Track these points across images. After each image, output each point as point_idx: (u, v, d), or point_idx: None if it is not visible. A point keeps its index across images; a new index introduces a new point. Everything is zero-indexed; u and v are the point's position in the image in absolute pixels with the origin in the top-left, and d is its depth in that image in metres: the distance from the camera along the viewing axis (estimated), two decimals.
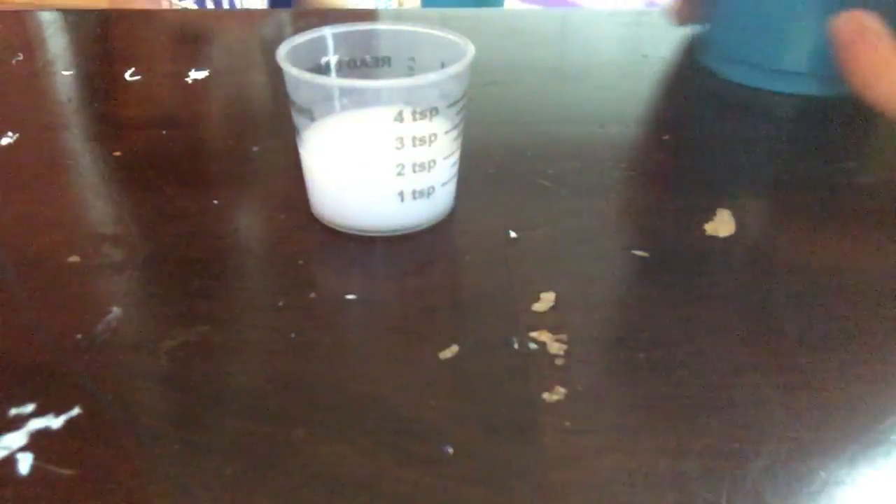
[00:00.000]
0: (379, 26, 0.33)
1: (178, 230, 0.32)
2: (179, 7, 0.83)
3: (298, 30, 0.32)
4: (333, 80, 0.32)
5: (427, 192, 0.31)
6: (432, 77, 0.29)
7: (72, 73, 0.49)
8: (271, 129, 0.41)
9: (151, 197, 0.35)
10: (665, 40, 0.54)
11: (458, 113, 0.31)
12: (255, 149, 0.39)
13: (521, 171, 0.37)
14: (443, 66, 0.29)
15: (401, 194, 0.30)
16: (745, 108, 0.44)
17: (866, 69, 0.36)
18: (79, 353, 0.25)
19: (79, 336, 0.26)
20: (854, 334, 0.26)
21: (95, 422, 0.23)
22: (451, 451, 0.22)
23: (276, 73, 0.30)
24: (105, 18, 0.60)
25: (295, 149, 0.32)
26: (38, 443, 0.22)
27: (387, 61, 0.33)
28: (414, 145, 0.29)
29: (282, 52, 0.30)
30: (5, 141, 0.39)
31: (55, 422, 0.23)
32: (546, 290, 0.28)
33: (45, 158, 0.38)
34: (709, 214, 0.33)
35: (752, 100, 0.45)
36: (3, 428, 0.23)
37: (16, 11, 0.60)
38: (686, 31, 0.54)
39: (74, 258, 0.30)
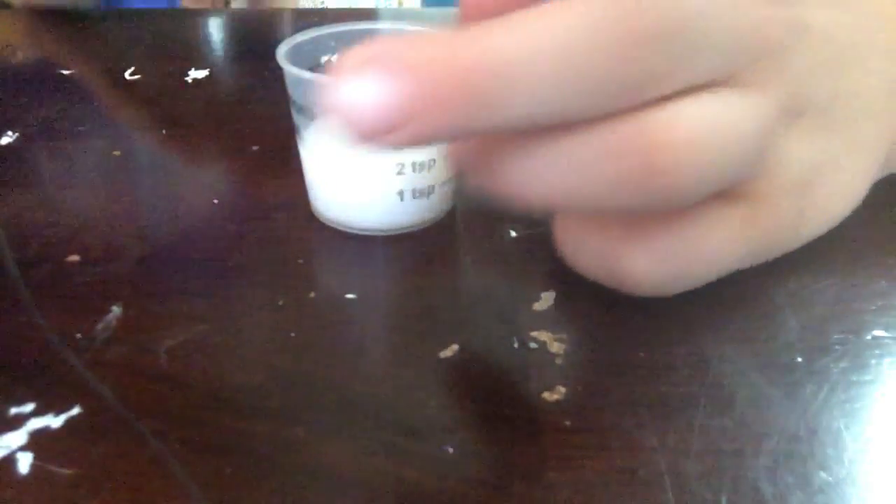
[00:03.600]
0: (379, 25, 0.33)
1: (178, 230, 0.32)
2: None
3: (298, 29, 0.32)
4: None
5: (427, 192, 0.31)
6: None
7: (72, 72, 0.49)
8: (271, 128, 0.41)
9: (151, 196, 0.35)
10: None
11: None
12: (254, 148, 0.39)
13: None
14: None
15: (401, 193, 0.30)
16: None
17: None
18: (79, 353, 0.25)
19: (79, 335, 0.26)
20: (855, 334, 0.26)
21: (95, 421, 0.23)
22: (451, 450, 0.22)
23: (276, 71, 0.30)
24: (105, 17, 0.60)
25: (295, 148, 0.32)
26: (37, 442, 0.22)
27: None
28: None
29: (282, 51, 0.30)
30: (5, 140, 0.39)
31: (55, 421, 0.23)
32: (546, 289, 0.28)
33: (44, 158, 0.38)
34: None
35: None
36: (3, 427, 0.22)
37: (16, 11, 0.60)
38: None
39: (74, 257, 0.30)
